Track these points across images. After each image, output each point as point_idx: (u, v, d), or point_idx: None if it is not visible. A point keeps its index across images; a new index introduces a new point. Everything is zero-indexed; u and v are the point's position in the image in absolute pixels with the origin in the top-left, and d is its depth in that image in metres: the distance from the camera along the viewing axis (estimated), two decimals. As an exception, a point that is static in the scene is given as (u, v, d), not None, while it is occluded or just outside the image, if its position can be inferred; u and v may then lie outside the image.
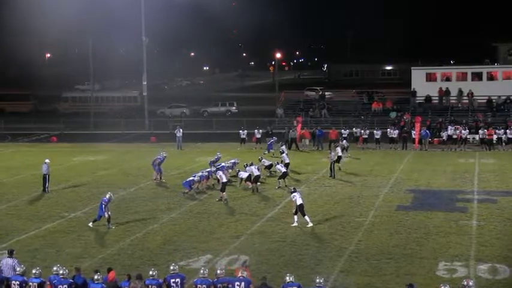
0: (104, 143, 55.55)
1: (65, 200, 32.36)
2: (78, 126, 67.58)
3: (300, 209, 26.57)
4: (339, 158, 38.90)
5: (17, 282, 16.93)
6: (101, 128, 65.53)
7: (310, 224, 26.38)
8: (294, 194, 26.89)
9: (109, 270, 18.12)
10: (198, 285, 16.70)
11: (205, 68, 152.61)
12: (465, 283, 15.78)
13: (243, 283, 16.60)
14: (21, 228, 26.97)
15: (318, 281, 16.42)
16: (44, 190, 34.13)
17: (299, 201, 26.60)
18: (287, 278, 16.63)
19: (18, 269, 17.35)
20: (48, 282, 16.94)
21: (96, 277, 16.79)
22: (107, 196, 27.09)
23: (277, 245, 24.02)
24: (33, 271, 17.11)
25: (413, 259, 22.13)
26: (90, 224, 26.83)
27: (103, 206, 26.63)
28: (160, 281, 16.95)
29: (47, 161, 34.72)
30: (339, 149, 39.86)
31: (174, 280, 16.92)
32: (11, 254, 18.77)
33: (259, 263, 21.80)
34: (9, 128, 65.40)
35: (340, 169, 38.57)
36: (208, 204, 30.92)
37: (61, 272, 16.97)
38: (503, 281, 20.07)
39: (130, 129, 64.20)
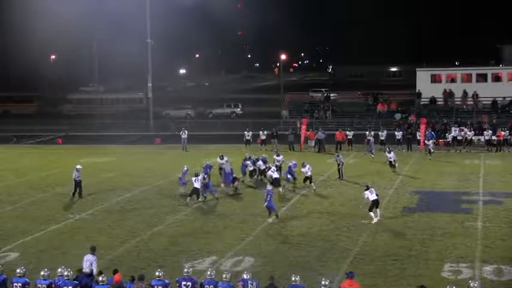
0: (109, 145, 55.56)
1: (70, 202, 32.41)
2: (83, 128, 67.69)
3: (375, 204, 27.20)
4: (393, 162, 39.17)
5: (19, 284, 16.93)
6: (106, 130, 65.62)
7: (375, 220, 26.97)
8: (365, 192, 27.45)
9: (114, 272, 18.14)
10: (206, 286, 16.71)
11: (181, 71, 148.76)
12: (471, 285, 15.74)
13: (254, 282, 16.73)
14: (27, 229, 27.04)
15: (323, 283, 16.36)
16: (73, 194, 33.16)
17: (372, 197, 27.16)
18: (293, 277, 16.65)
19: (18, 270, 17.35)
20: (53, 285, 16.95)
21: (100, 279, 16.81)
22: (185, 168, 32.82)
23: (283, 247, 24.03)
24: (42, 273, 17.12)
25: (419, 260, 22.11)
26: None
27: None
28: (167, 281, 16.95)
29: (78, 167, 33.55)
30: (392, 154, 39.41)
31: (185, 283, 16.90)
32: (93, 250, 19.36)
33: (264, 265, 21.81)
34: (14, 130, 65.58)
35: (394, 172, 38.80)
36: (213, 206, 30.94)
37: (65, 273, 17.00)
38: (509, 282, 20.05)
39: (136, 131, 64.30)
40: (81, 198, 33.02)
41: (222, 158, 36.73)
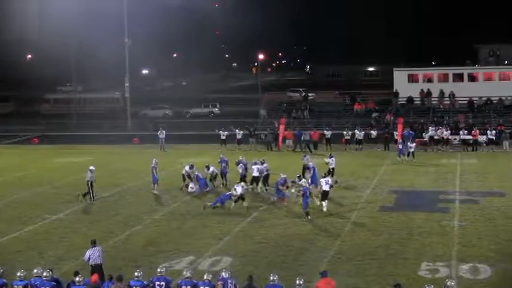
0: (86, 145, 55.26)
1: (47, 202, 32.18)
2: (60, 128, 67.21)
3: (325, 195, 28.78)
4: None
5: None
6: (83, 130, 65.24)
7: (325, 209, 28.69)
8: (322, 179, 29.31)
9: (92, 272, 18.04)
10: (183, 287, 16.66)
11: (144, 71, 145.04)
12: (448, 283, 15.82)
13: (233, 281, 16.81)
14: (3, 230, 26.81)
15: (298, 282, 16.38)
16: (92, 198, 32.25)
17: (324, 188, 28.87)
18: (271, 277, 16.63)
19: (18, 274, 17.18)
20: (29, 286, 16.80)
21: (77, 279, 16.69)
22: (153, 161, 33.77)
23: (261, 246, 24.03)
24: (18, 274, 16.96)
25: (396, 259, 22.22)
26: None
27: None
28: (145, 282, 16.88)
29: (91, 168, 32.88)
30: (332, 160, 35.96)
31: (159, 283, 16.85)
32: (94, 243, 19.64)
33: (242, 265, 21.80)
34: (-10, 130, 64.94)
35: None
36: (191, 206, 30.86)
37: (44, 274, 16.86)
38: (485, 281, 20.19)
39: (113, 131, 63.97)
40: (78, 196, 32.28)
41: (191, 167, 34.62)
